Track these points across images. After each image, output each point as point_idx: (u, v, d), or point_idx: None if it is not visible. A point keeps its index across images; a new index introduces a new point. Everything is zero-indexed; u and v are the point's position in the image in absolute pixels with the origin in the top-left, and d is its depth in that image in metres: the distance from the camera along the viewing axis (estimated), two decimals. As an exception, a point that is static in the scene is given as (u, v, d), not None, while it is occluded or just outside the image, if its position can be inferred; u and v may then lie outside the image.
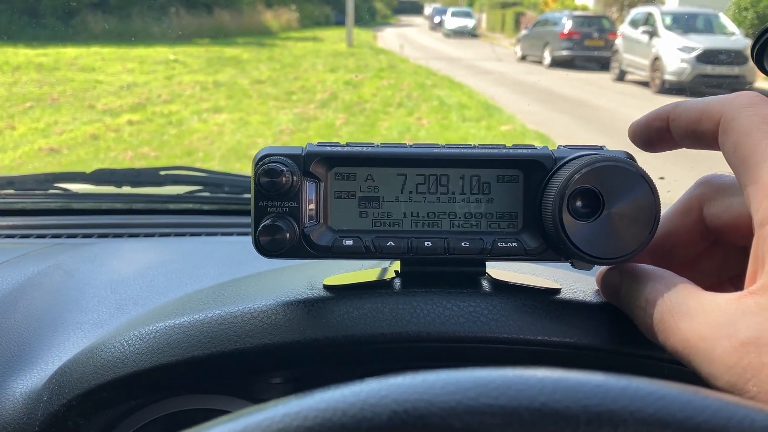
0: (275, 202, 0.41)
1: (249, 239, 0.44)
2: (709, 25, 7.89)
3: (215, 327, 0.42)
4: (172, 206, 0.93)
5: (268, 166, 0.40)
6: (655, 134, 0.40)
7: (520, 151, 0.42)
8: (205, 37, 9.06)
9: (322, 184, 0.42)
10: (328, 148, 0.42)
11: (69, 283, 0.69)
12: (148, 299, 0.66)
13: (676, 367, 0.38)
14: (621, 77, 8.53)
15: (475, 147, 0.43)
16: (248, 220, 0.42)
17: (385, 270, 0.46)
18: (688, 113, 0.38)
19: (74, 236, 0.87)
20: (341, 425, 0.21)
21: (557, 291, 0.43)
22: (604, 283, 0.42)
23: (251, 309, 0.43)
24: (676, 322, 0.34)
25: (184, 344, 0.42)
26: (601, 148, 0.42)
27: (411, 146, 0.43)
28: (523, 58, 11.21)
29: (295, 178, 0.41)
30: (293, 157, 0.41)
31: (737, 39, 7.21)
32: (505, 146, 0.43)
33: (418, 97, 6.70)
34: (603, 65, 9.36)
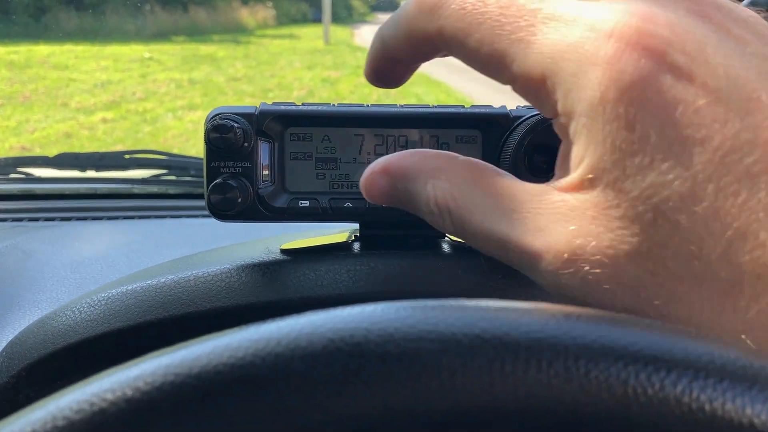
0: (228, 162, 0.40)
1: (214, 221, 0.43)
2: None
3: (168, 291, 0.41)
4: (137, 190, 0.91)
5: (217, 121, 0.39)
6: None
7: (478, 110, 0.42)
8: (180, 34, 8.98)
9: (277, 145, 0.41)
10: (283, 107, 0.41)
11: (27, 263, 0.67)
12: (108, 278, 0.65)
13: None
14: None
15: (433, 107, 0.42)
16: None
17: (345, 234, 0.45)
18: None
19: (36, 220, 0.85)
20: (275, 354, 0.20)
21: (517, 252, 0.43)
22: (368, 183, 0.30)
23: (205, 273, 0.42)
24: (492, 224, 0.27)
25: (136, 309, 0.41)
26: None
27: (368, 106, 0.42)
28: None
29: (247, 136, 0.40)
30: (246, 116, 0.40)
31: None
32: (463, 106, 0.42)
33: (396, 95, 6.70)
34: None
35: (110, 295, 0.43)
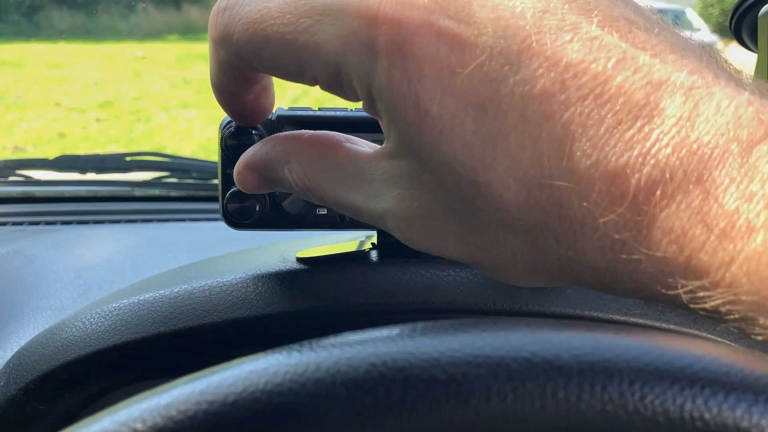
0: None
1: (219, 225, 0.42)
2: (676, 21, 7.94)
3: (182, 302, 0.40)
4: (138, 193, 0.90)
5: (234, 128, 0.38)
6: None
7: None
8: (173, 33, 8.93)
9: None
10: (300, 113, 0.40)
11: (30, 268, 0.66)
12: (113, 284, 0.64)
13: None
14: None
15: None
16: (217, 206, 0.40)
17: (361, 242, 0.44)
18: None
19: (36, 224, 0.83)
20: (315, 380, 0.19)
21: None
22: (240, 181, 0.33)
23: (220, 283, 0.41)
24: (343, 195, 0.29)
25: (148, 320, 0.40)
26: None
27: None
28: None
29: None
30: (262, 122, 0.39)
31: (703, 35, 7.31)
32: None
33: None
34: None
35: (121, 305, 0.42)
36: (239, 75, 0.30)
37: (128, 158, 0.94)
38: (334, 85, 0.27)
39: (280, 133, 0.32)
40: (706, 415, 0.20)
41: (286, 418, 0.19)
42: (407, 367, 0.20)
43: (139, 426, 0.19)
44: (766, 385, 0.20)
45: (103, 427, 0.20)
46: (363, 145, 0.30)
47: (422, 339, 0.20)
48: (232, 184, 0.39)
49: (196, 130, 4.98)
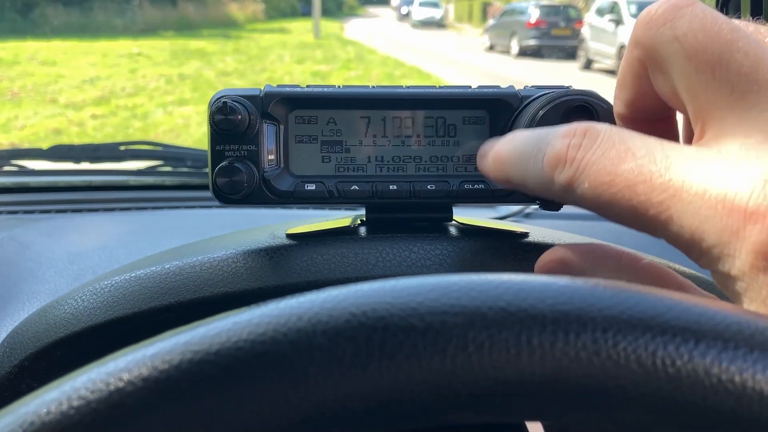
0: (233, 145, 0.40)
1: (213, 212, 0.42)
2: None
3: (173, 277, 0.41)
4: (132, 182, 0.90)
5: (222, 103, 0.38)
6: None
7: (485, 90, 0.41)
8: (169, 29, 8.91)
9: (282, 128, 0.41)
10: (288, 89, 0.40)
11: (25, 254, 0.66)
12: (106, 269, 0.64)
13: None
14: (587, 66, 8.64)
15: (439, 88, 0.42)
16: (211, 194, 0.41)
17: (350, 219, 0.45)
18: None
19: (31, 212, 0.84)
20: (297, 330, 0.20)
21: (525, 235, 0.42)
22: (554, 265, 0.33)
23: (211, 259, 0.41)
24: None
25: (140, 296, 0.40)
26: (568, 87, 0.42)
27: (374, 87, 0.41)
28: (491, 48, 11.26)
29: (252, 119, 0.39)
30: (251, 98, 0.40)
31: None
32: (470, 87, 0.42)
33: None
34: (570, 54, 9.46)
35: (113, 282, 0.42)
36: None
37: (122, 147, 0.95)
38: (682, 248, 0.27)
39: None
40: (678, 362, 0.20)
41: (269, 367, 0.20)
42: (386, 316, 0.20)
43: (125, 375, 0.20)
44: (736, 332, 0.21)
45: (91, 378, 0.20)
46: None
47: (401, 291, 0.21)
48: (221, 159, 0.40)
49: (192, 125, 4.98)
